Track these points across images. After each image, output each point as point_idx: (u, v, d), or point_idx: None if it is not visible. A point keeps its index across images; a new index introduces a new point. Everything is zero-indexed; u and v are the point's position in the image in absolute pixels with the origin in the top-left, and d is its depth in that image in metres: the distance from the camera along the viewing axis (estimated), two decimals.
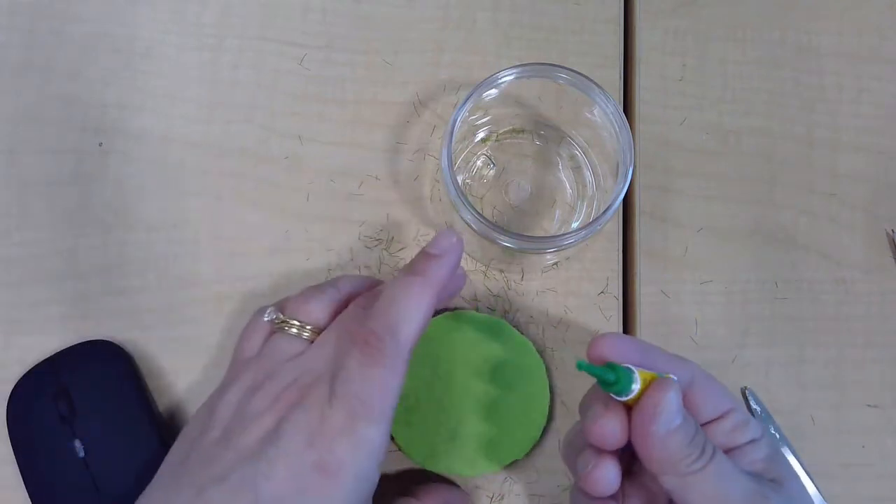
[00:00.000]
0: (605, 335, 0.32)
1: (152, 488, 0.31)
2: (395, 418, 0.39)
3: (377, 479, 0.31)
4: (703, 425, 0.32)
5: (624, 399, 0.30)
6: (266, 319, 0.35)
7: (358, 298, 0.35)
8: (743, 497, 0.29)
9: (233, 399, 0.32)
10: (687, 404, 0.32)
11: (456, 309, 0.42)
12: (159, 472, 0.32)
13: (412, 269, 0.33)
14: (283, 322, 0.35)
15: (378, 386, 0.30)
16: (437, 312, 0.42)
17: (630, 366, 0.30)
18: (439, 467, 0.39)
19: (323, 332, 0.34)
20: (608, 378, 0.29)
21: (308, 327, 0.34)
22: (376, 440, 0.30)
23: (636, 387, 0.29)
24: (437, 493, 0.38)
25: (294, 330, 0.34)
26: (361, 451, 0.30)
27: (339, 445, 0.29)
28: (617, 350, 0.31)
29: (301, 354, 0.33)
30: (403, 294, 0.32)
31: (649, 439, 0.29)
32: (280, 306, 0.36)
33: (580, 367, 0.29)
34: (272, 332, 0.35)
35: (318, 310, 0.35)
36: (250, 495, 0.29)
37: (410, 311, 0.32)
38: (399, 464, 0.41)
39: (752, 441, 0.32)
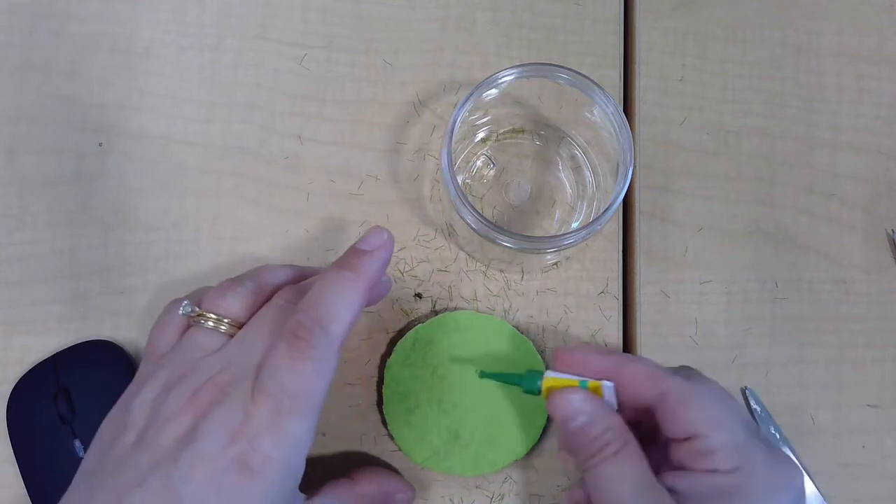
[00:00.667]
0: (563, 350, 0.36)
1: (67, 498, 0.30)
2: (395, 419, 0.39)
3: (303, 469, 0.30)
4: (671, 441, 0.34)
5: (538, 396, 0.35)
6: (181, 313, 0.33)
7: (281, 291, 0.34)
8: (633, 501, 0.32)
9: (147, 398, 0.31)
10: (653, 417, 0.34)
11: (456, 309, 0.42)
12: (75, 480, 0.31)
13: (343, 264, 0.32)
14: (199, 315, 0.33)
15: (306, 379, 0.29)
16: (435, 313, 0.42)
17: (544, 371, 0.35)
18: (440, 468, 0.39)
19: (244, 327, 0.32)
20: (511, 381, 0.36)
21: (225, 321, 0.32)
22: (302, 435, 0.29)
23: (541, 383, 0.35)
24: (372, 476, 0.37)
25: (210, 324, 0.32)
26: (288, 447, 0.29)
27: (264, 441, 0.28)
28: (568, 364, 0.35)
29: (219, 350, 0.32)
30: (334, 288, 0.31)
31: (560, 431, 0.34)
32: (196, 299, 0.34)
33: (482, 376, 0.37)
34: (188, 327, 0.33)
35: (236, 304, 0.33)
36: (171, 499, 0.28)
37: (341, 306, 0.31)
38: (399, 464, 0.41)
39: (712, 471, 0.32)
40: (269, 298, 0.34)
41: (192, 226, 0.43)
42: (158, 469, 0.28)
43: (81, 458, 0.38)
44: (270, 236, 0.43)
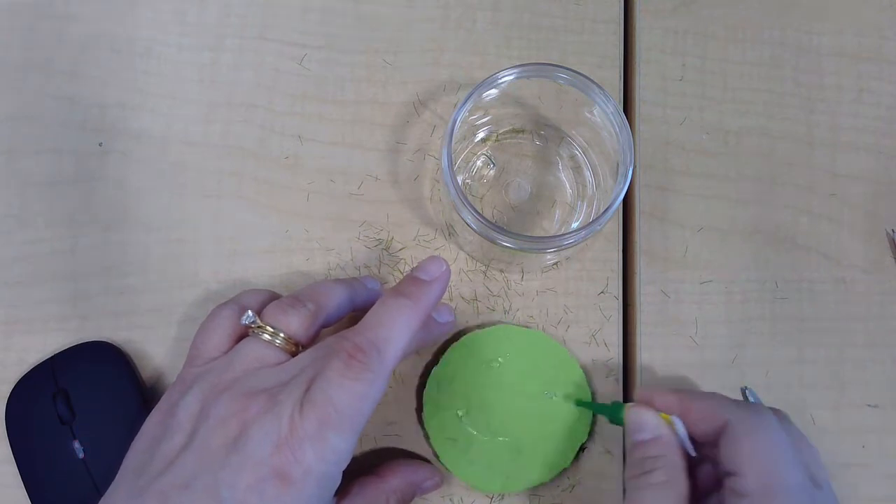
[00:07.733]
0: (648, 393, 0.36)
1: (112, 496, 0.30)
2: (455, 464, 0.39)
3: (339, 482, 0.31)
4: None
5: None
6: (244, 322, 0.34)
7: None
8: None
9: (195, 401, 0.31)
10: (716, 447, 0.34)
11: (456, 309, 0.42)
12: (118, 477, 0.31)
13: (401, 291, 0.33)
14: (258, 327, 0.34)
15: (355, 398, 0.30)
16: (460, 334, 0.41)
17: (619, 402, 0.38)
18: (519, 487, 0.39)
19: (305, 351, 0.33)
20: (600, 411, 0.39)
21: (281, 335, 0.33)
22: (343, 450, 0.30)
23: (622, 415, 0.37)
24: (397, 469, 0.38)
25: (267, 336, 0.33)
26: (329, 460, 0.29)
27: (307, 452, 0.29)
28: (642, 400, 0.36)
29: (275, 364, 0.32)
30: (392, 314, 0.32)
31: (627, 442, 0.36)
32: (255, 310, 0.35)
33: (577, 404, 0.40)
34: (241, 335, 0.34)
35: (295, 322, 0.34)
36: (214, 503, 0.28)
37: (397, 332, 0.32)
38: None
39: None
40: (325, 319, 0.35)
41: (192, 226, 0.43)
42: (204, 473, 0.29)
43: (80, 459, 0.38)
44: (270, 236, 0.43)
